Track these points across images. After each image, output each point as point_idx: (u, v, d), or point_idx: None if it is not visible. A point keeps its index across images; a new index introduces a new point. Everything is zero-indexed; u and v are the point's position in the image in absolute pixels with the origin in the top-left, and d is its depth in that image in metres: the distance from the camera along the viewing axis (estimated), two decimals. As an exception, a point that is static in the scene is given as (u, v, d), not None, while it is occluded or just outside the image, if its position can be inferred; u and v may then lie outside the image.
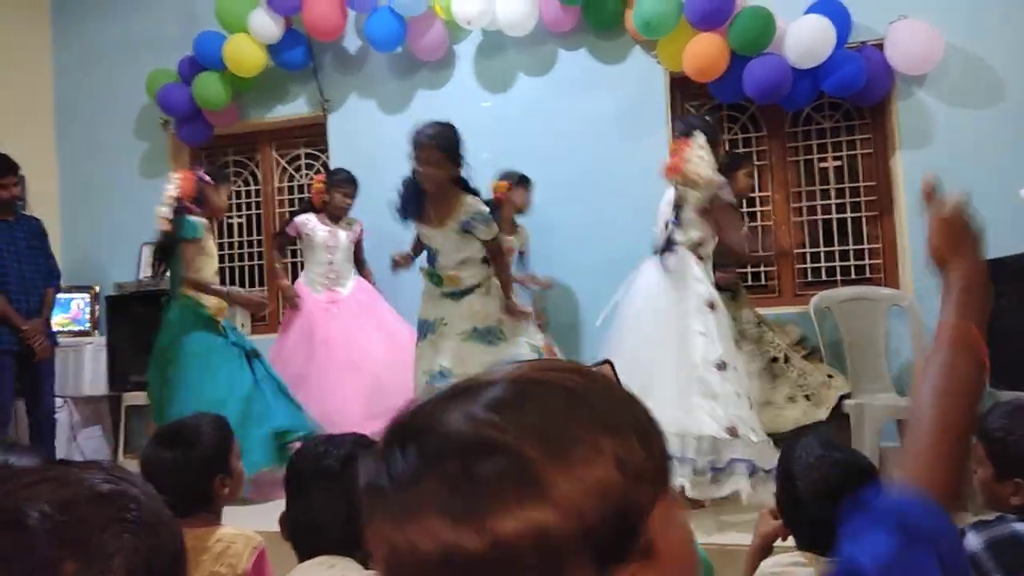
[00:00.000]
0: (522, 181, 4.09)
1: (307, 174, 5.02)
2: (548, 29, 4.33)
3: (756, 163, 4.36)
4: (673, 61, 4.07)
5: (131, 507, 0.61)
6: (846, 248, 4.23)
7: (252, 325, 4.75)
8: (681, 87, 4.30)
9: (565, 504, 0.45)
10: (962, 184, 3.68)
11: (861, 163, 4.22)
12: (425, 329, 3.38)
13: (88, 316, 4.82)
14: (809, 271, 4.29)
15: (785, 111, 4.20)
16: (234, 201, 5.16)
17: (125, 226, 4.87)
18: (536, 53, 4.45)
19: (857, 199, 4.22)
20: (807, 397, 3.43)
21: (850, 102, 4.11)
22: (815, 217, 4.28)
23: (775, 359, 3.52)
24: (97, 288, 4.88)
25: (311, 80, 4.76)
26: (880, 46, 3.86)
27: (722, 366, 2.82)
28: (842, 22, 3.79)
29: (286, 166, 5.07)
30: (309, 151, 5.03)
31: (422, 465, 0.47)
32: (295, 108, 4.86)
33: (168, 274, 3.75)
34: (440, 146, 3.15)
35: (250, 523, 1.80)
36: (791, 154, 4.32)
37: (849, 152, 4.23)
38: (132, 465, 2.47)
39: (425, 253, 3.45)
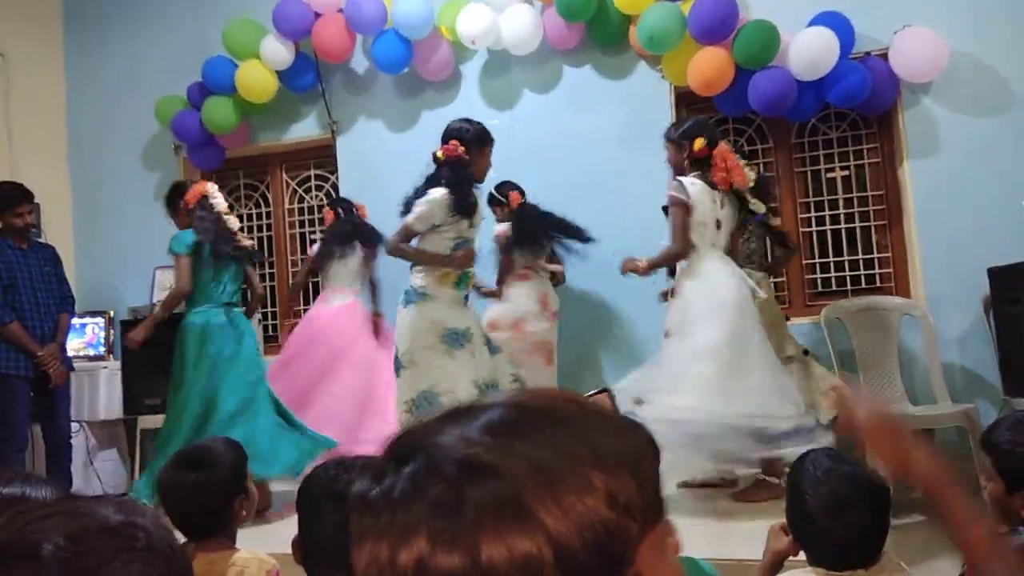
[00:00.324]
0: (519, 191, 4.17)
1: (317, 195, 5.08)
2: (552, 46, 4.37)
3: (764, 174, 4.36)
4: (678, 75, 4.09)
5: (140, 537, 0.63)
6: (856, 258, 4.22)
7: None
8: (686, 101, 4.32)
9: (552, 536, 0.45)
10: (970, 191, 3.68)
11: (869, 172, 4.21)
12: (461, 339, 3.23)
13: (103, 341, 4.87)
14: (819, 281, 4.28)
15: (791, 123, 4.21)
16: (245, 224, 5.21)
17: (138, 251, 4.93)
18: (541, 70, 4.49)
19: (866, 208, 4.21)
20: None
21: (856, 112, 4.11)
22: (824, 228, 4.27)
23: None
24: (111, 313, 4.93)
25: (319, 102, 4.82)
26: (884, 55, 3.87)
27: None
28: (845, 33, 3.80)
29: (296, 188, 5.12)
30: (319, 172, 5.08)
31: (415, 485, 0.47)
32: (304, 130, 4.92)
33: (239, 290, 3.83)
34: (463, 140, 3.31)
35: (264, 546, 1.81)
36: (798, 165, 4.32)
37: (856, 162, 4.23)
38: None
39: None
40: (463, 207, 3.20)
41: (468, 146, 3.27)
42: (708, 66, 3.89)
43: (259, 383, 3.59)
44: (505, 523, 0.45)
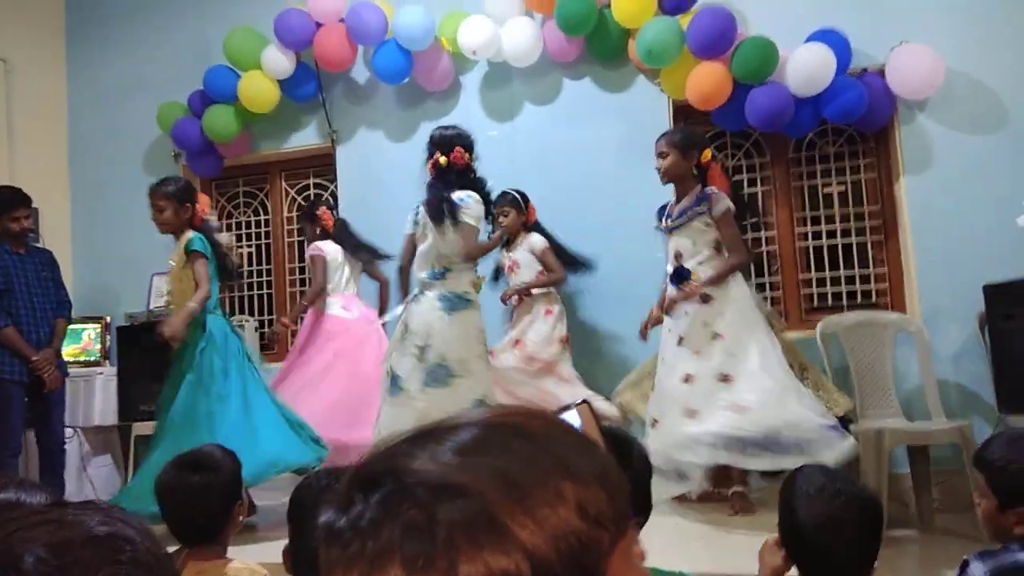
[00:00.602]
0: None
1: (316, 204, 5.09)
2: (552, 59, 4.40)
3: (760, 188, 4.39)
4: (676, 89, 4.11)
5: (127, 548, 0.62)
6: (852, 273, 4.23)
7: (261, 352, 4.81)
8: (684, 115, 4.33)
9: (526, 549, 0.45)
10: (966, 208, 3.70)
11: (865, 187, 4.23)
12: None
13: (99, 346, 4.86)
14: (815, 296, 4.28)
15: (788, 137, 4.23)
16: (244, 231, 5.23)
17: (136, 257, 4.93)
18: (541, 83, 4.51)
19: (862, 223, 4.22)
20: None
21: (853, 127, 4.13)
22: (820, 242, 4.28)
23: None
24: (108, 319, 4.92)
25: (320, 111, 4.83)
26: (881, 72, 3.89)
27: None
28: (842, 50, 3.82)
29: (295, 196, 5.13)
30: (318, 181, 5.09)
31: (384, 511, 0.46)
32: (304, 139, 4.94)
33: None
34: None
35: (255, 555, 1.81)
36: (795, 179, 4.34)
37: (853, 177, 4.25)
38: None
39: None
40: (489, 211, 3.47)
41: (470, 153, 3.33)
42: (706, 81, 3.91)
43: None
44: (480, 541, 0.44)
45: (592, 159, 4.37)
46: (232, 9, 4.99)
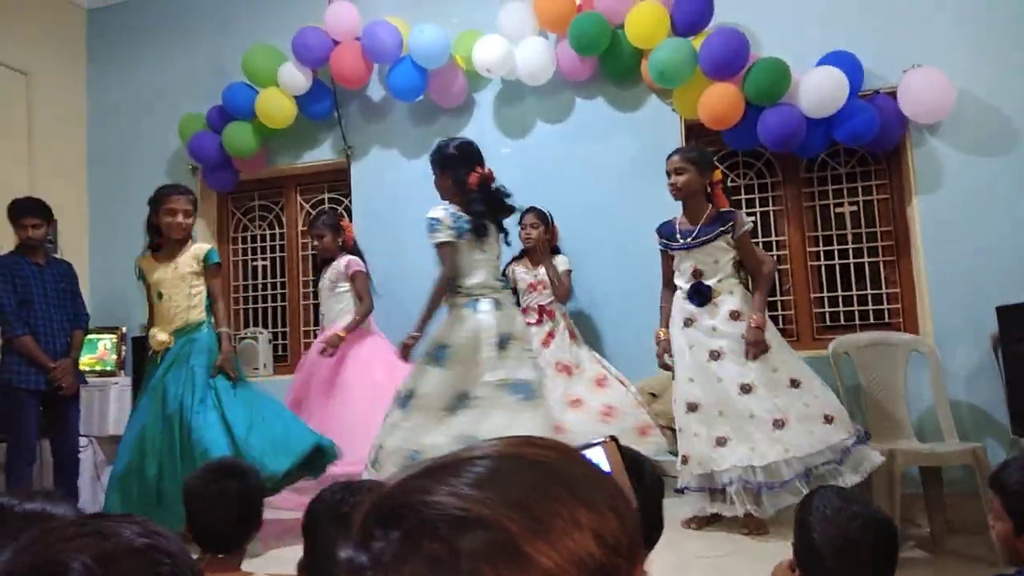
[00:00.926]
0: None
1: (330, 219, 5.12)
2: (565, 78, 4.44)
3: (772, 208, 4.40)
4: (688, 109, 4.14)
5: (166, 561, 0.64)
6: (864, 292, 4.23)
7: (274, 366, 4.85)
8: (696, 134, 4.36)
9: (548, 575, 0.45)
10: (979, 229, 3.70)
11: (877, 208, 4.24)
12: None
13: (114, 357, 4.91)
14: (827, 315, 4.28)
15: (800, 158, 4.24)
16: (259, 244, 5.28)
17: (152, 269, 4.97)
18: (554, 101, 4.55)
19: (874, 243, 4.23)
20: None
21: (865, 148, 4.14)
22: (832, 262, 4.29)
23: None
24: (123, 329, 4.97)
25: (335, 127, 4.89)
26: (893, 94, 3.91)
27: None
28: (855, 72, 3.84)
29: (310, 210, 5.18)
30: (333, 196, 5.14)
31: (405, 545, 0.47)
32: (319, 154, 4.99)
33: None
34: (431, 160, 3.44)
35: (270, 568, 1.82)
36: (807, 199, 4.35)
37: (865, 197, 4.26)
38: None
39: None
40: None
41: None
42: (718, 101, 3.94)
43: None
44: (503, 570, 0.45)
45: (603, 177, 4.39)
46: (249, 26, 5.06)
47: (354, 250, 4.36)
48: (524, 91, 4.57)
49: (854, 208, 4.28)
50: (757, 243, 3.88)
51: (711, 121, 4.01)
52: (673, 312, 3.40)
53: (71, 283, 4.13)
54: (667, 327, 3.44)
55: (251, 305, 5.27)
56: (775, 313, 4.28)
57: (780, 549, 1.67)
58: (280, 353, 5.05)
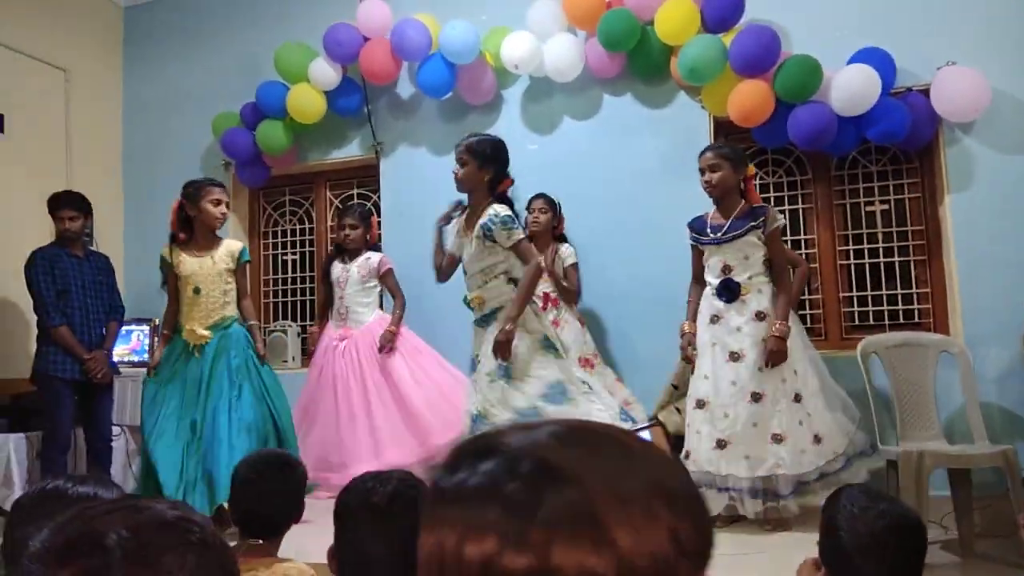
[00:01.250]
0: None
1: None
2: (594, 75, 4.44)
3: (802, 206, 4.37)
4: (718, 106, 4.12)
5: (195, 531, 0.68)
6: (894, 292, 4.18)
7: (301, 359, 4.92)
8: (725, 132, 4.34)
9: (620, 557, 0.45)
10: (1012, 230, 3.65)
11: (909, 207, 4.19)
12: (472, 364, 3.37)
13: (147, 347, 5.00)
14: (856, 315, 4.25)
15: (831, 156, 4.21)
16: (289, 239, 5.35)
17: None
18: (582, 98, 4.55)
19: (905, 243, 4.18)
20: None
21: (897, 147, 4.10)
22: (862, 261, 4.25)
23: None
24: (156, 320, 5.04)
25: (365, 124, 4.94)
26: (926, 91, 3.86)
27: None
28: (887, 70, 3.80)
29: (339, 206, 5.24)
30: (361, 191, 5.20)
31: (491, 480, 0.47)
32: (349, 151, 5.04)
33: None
34: (471, 149, 3.28)
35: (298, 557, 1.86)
36: (837, 197, 4.31)
37: (897, 196, 4.21)
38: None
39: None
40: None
41: None
42: (748, 98, 3.92)
43: None
44: (580, 534, 0.45)
45: (631, 174, 4.39)
46: (282, 24, 5.13)
47: (376, 247, 4.41)
48: (552, 88, 4.58)
49: (885, 207, 4.24)
50: (786, 241, 3.87)
51: (740, 118, 3.99)
52: (701, 307, 3.39)
53: (108, 275, 4.22)
54: (694, 321, 3.43)
55: (280, 299, 5.35)
56: (803, 312, 4.25)
57: (804, 545, 1.67)
58: (309, 346, 5.12)
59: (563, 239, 4.25)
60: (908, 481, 3.13)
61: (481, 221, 3.21)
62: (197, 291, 3.68)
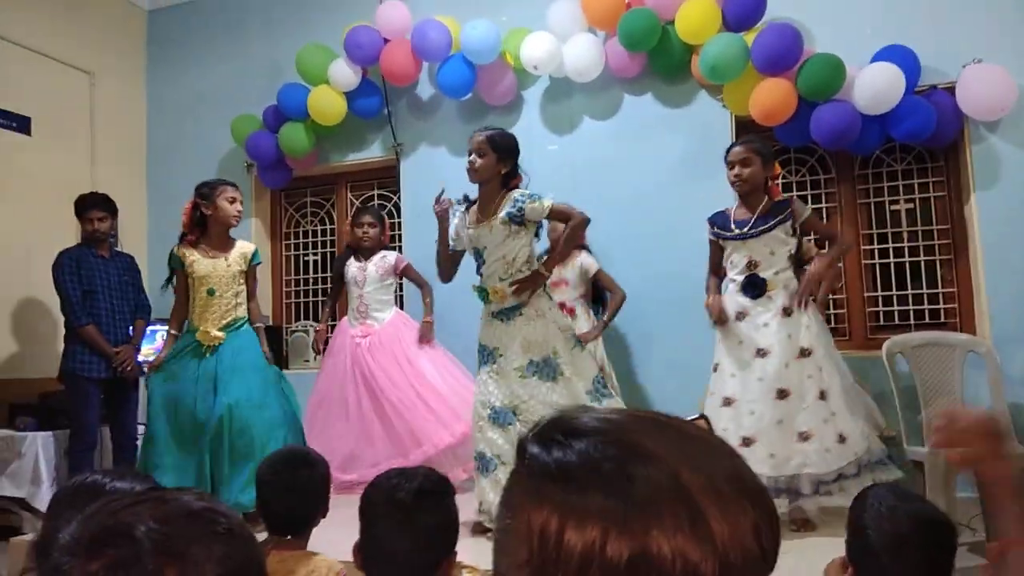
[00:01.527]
0: None
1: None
2: (614, 75, 4.43)
3: (825, 205, 4.33)
4: (739, 105, 4.10)
5: (221, 521, 0.69)
6: (920, 292, 4.13)
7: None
8: (746, 130, 4.30)
9: (716, 547, 0.44)
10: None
11: (934, 205, 4.14)
12: (485, 356, 3.21)
13: (171, 347, 5.04)
14: (881, 315, 4.20)
15: (854, 154, 4.17)
16: (310, 240, 5.39)
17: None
18: (602, 98, 4.54)
19: (930, 242, 4.13)
20: None
21: (921, 145, 4.05)
22: (887, 260, 4.20)
23: None
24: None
25: (385, 125, 4.96)
26: (950, 89, 3.81)
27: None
28: (911, 68, 3.76)
29: (360, 207, 5.26)
30: (382, 192, 5.22)
31: (588, 463, 0.47)
32: (370, 152, 5.07)
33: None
34: (492, 140, 3.19)
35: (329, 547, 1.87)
36: (862, 196, 4.27)
37: (922, 195, 4.17)
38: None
39: (476, 267, 3.30)
40: None
41: None
42: (771, 97, 3.89)
43: None
44: (679, 519, 0.44)
45: (652, 174, 4.38)
46: (302, 26, 5.18)
47: (389, 247, 4.44)
48: (572, 88, 4.57)
49: (910, 206, 4.19)
50: (809, 240, 3.83)
51: (763, 117, 3.96)
52: (726, 304, 3.30)
53: (134, 275, 4.28)
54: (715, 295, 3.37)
55: (302, 299, 5.39)
56: (827, 312, 4.21)
57: (825, 547, 1.66)
58: (315, 343, 5.14)
59: (583, 247, 4.16)
60: (935, 482, 3.09)
61: (506, 209, 3.14)
62: (211, 292, 3.64)
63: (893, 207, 4.22)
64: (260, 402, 3.49)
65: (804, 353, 3.14)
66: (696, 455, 0.48)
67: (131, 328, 4.20)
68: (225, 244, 3.72)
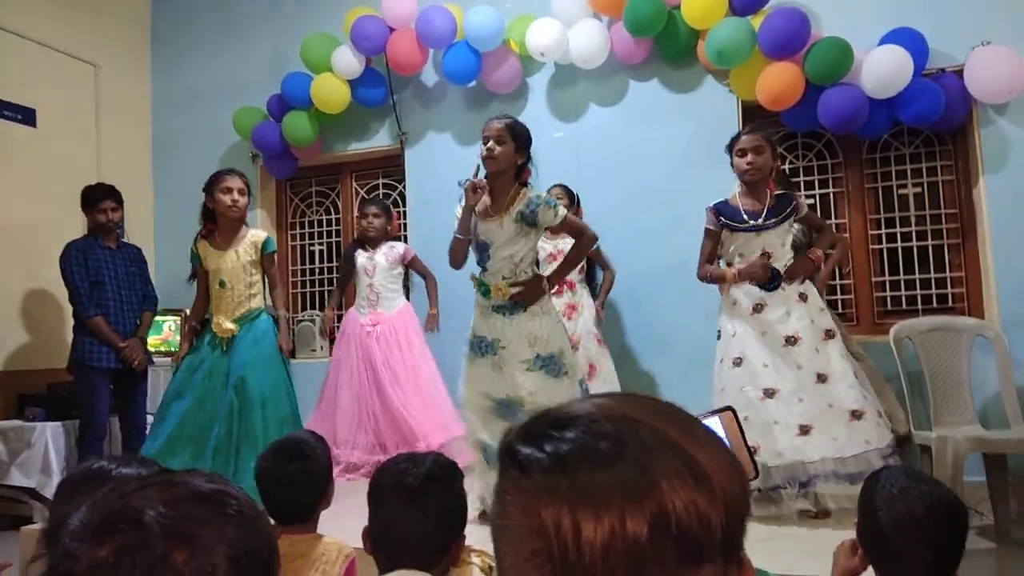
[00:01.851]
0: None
1: (384, 203, 5.21)
2: (620, 60, 4.40)
3: (832, 190, 4.31)
4: (746, 90, 4.07)
5: (232, 503, 0.68)
6: (927, 276, 4.11)
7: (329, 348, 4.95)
8: (753, 115, 4.28)
9: (719, 494, 0.46)
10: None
11: (942, 189, 4.12)
12: (483, 347, 3.13)
13: (178, 337, 5.06)
14: (889, 300, 4.18)
15: (862, 138, 4.14)
16: (316, 229, 5.39)
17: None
18: (608, 84, 4.52)
19: (938, 226, 4.11)
20: None
21: (929, 129, 4.02)
22: (895, 244, 4.18)
23: None
24: (187, 311, 5.11)
25: (390, 114, 4.95)
26: (959, 72, 3.78)
27: None
28: (919, 51, 3.73)
29: (365, 196, 5.26)
30: (387, 181, 5.21)
31: (582, 446, 0.48)
32: (375, 141, 5.06)
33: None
34: (513, 129, 3.11)
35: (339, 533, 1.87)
36: (869, 181, 4.25)
37: (930, 179, 4.14)
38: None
39: (476, 259, 3.22)
40: None
41: None
42: (778, 81, 3.86)
43: None
44: (681, 471, 0.46)
45: (658, 160, 4.36)
46: (307, 15, 5.17)
47: (396, 238, 4.44)
48: (577, 74, 4.55)
49: (918, 190, 4.17)
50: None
51: (769, 102, 3.94)
52: (739, 299, 3.22)
53: (140, 266, 4.29)
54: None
55: (308, 289, 5.40)
56: (834, 297, 4.20)
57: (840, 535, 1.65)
58: (322, 329, 5.14)
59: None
60: (942, 466, 3.08)
61: (519, 208, 3.06)
62: (223, 284, 3.68)
63: (901, 191, 4.20)
64: (270, 398, 3.51)
65: (829, 335, 3.12)
66: (677, 418, 0.50)
67: (138, 319, 4.20)
68: (236, 236, 3.73)
